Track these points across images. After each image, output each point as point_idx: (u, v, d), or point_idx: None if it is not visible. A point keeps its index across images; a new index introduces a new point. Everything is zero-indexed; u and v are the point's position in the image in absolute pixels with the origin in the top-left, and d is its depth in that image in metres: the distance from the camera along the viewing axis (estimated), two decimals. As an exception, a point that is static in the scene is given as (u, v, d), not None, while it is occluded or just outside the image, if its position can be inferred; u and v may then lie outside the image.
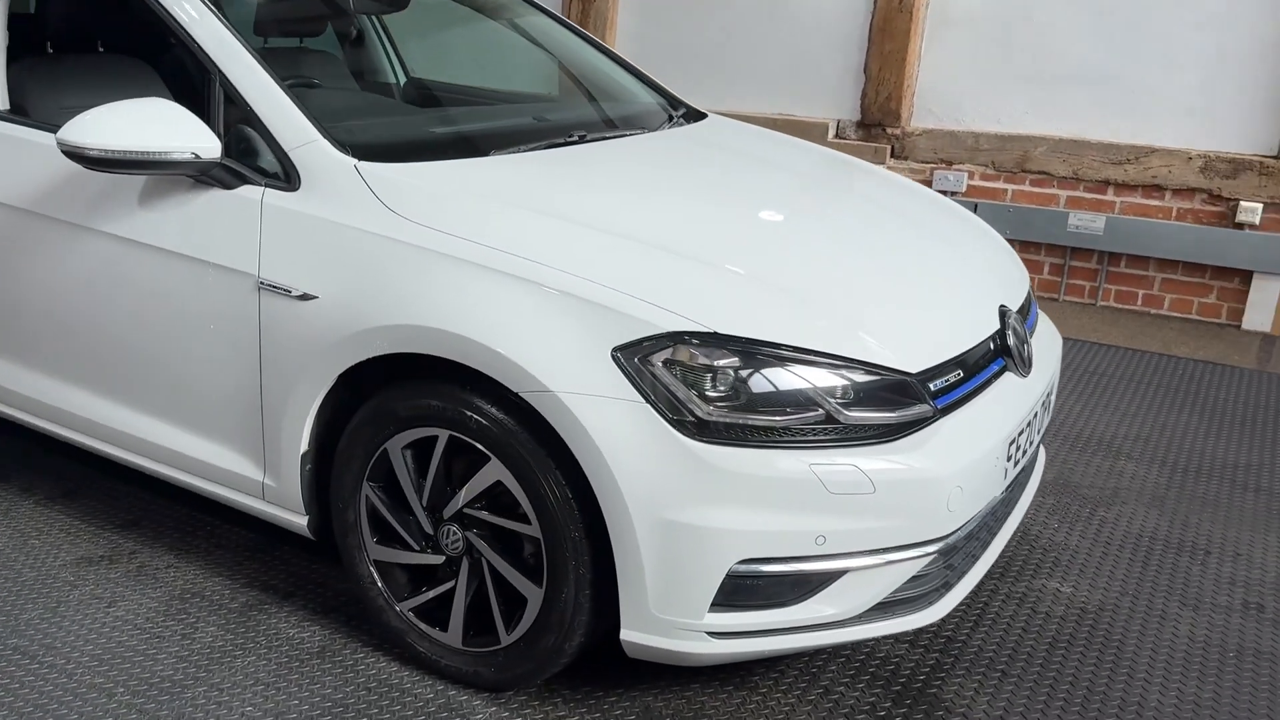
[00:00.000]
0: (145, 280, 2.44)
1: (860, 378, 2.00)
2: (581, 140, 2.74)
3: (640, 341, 1.94)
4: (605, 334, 1.96)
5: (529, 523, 2.08)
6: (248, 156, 2.35)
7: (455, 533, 2.20)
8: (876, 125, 5.83)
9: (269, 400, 2.32)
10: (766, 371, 1.95)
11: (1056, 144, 5.39)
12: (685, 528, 1.92)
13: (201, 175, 2.31)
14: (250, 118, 2.33)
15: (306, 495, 2.37)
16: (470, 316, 2.02)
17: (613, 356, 1.94)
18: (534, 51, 3.61)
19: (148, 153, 2.23)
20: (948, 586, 2.19)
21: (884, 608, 2.08)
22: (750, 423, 1.93)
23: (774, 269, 2.16)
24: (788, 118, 6.01)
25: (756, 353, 1.96)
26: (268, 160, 2.33)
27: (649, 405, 1.91)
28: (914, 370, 2.05)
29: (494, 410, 2.04)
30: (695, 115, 3.33)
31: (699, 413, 1.92)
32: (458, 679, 2.27)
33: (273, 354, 2.27)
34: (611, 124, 3.16)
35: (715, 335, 1.95)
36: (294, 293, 2.21)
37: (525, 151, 2.57)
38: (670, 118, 3.24)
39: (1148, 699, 2.31)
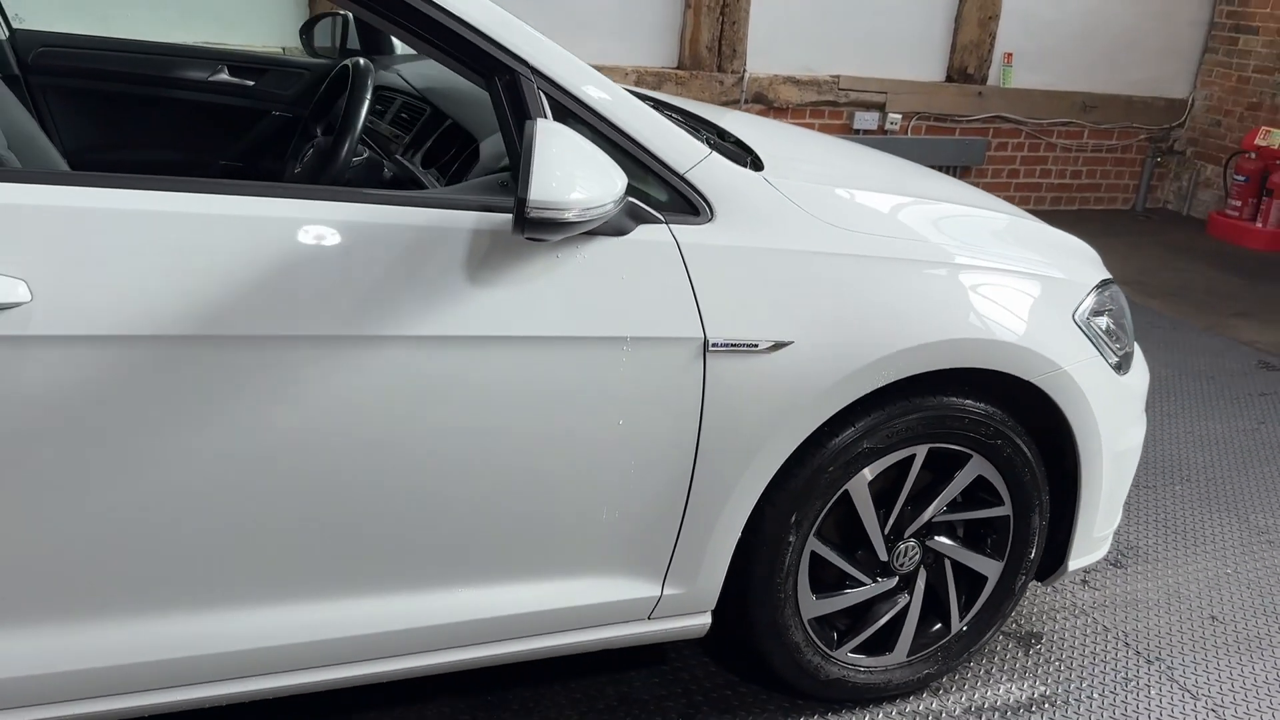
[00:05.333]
0: (494, 391, 1.64)
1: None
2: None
3: (1081, 302, 2.14)
4: (1063, 303, 2.10)
5: (1000, 505, 2.13)
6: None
7: (913, 548, 2.11)
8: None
9: (702, 488, 1.84)
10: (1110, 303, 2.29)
11: (516, 66, 5.70)
12: (1128, 452, 2.24)
13: (605, 221, 1.65)
14: (614, 137, 1.71)
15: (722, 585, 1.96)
16: (983, 318, 1.95)
17: (1075, 321, 2.10)
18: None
19: (596, 206, 1.54)
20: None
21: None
22: (1119, 349, 2.27)
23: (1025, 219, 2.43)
24: (240, 47, 5.20)
25: (1108, 288, 2.29)
26: (653, 190, 1.76)
27: (1100, 357, 2.14)
28: None
29: (984, 406, 2.02)
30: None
31: (1118, 351, 2.21)
32: (907, 691, 2.20)
33: (723, 428, 1.80)
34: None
35: (1104, 283, 2.24)
36: (762, 345, 1.79)
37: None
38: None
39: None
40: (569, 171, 1.49)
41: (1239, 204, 6.88)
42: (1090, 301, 2.15)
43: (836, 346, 1.83)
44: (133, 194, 1.43)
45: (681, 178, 1.76)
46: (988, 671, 2.32)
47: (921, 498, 2.09)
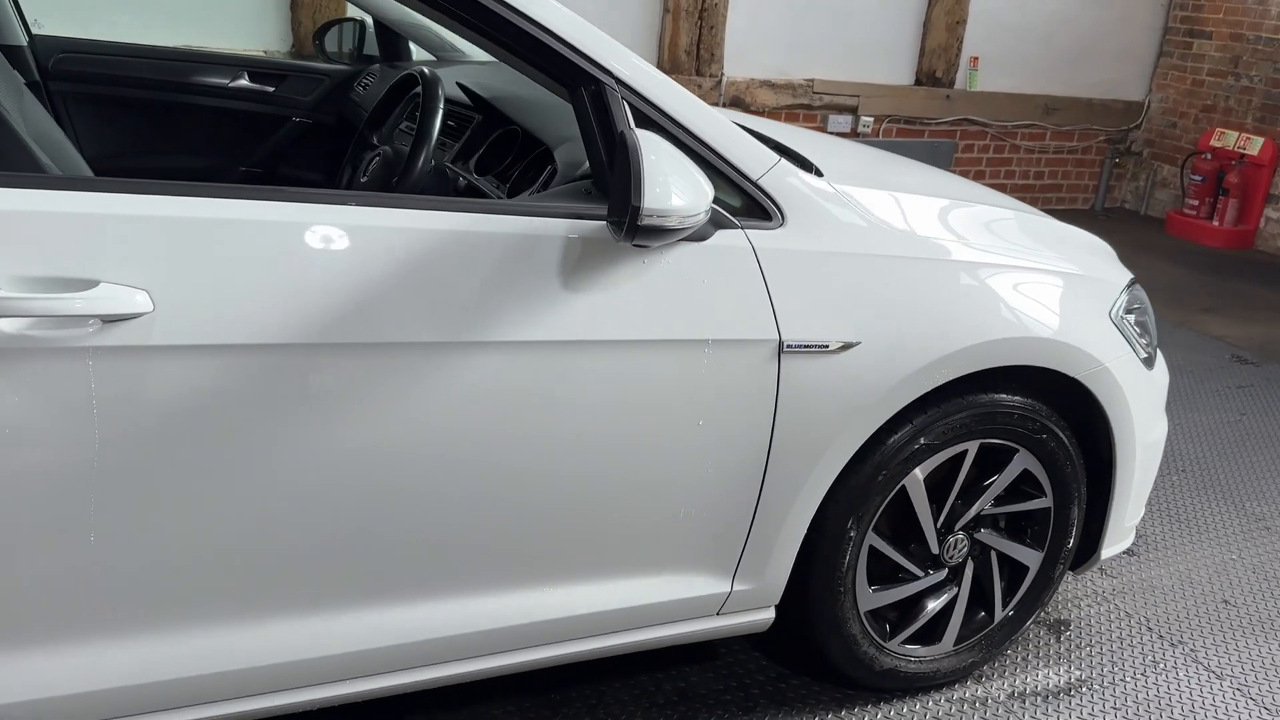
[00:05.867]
0: (585, 394, 1.68)
1: None
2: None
3: (1116, 301, 2.23)
4: (1102, 302, 2.19)
5: (1041, 496, 2.21)
6: (702, 195, 1.78)
7: (962, 541, 2.18)
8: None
9: (773, 486, 1.89)
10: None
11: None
12: (1156, 444, 2.34)
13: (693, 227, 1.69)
14: (694, 146, 1.75)
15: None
16: (1035, 317, 2.03)
17: (1111, 319, 2.19)
18: None
19: (694, 213, 1.59)
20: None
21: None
22: (1146, 344, 2.36)
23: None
24: (201, 48, 5.14)
25: (1134, 286, 2.38)
26: (728, 196, 1.81)
27: (1132, 353, 2.23)
28: None
29: (1031, 401, 2.10)
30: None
31: (1146, 347, 2.31)
32: (953, 679, 2.28)
33: (794, 427, 1.86)
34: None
35: (1131, 282, 2.33)
36: (831, 346, 1.85)
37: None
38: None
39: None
40: (668, 180, 1.54)
41: (1196, 203, 7.11)
42: (1124, 300, 2.24)
43: (899, 346, 1.89)
44: (246, 204, 1.44)
45: (755, 184, 1.81)
46: (1025, 659, 2.41)
47: (969, 492, 2.16)
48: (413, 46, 3.17)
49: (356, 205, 1.50)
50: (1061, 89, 7.43)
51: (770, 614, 2.04)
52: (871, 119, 6.76)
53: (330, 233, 1.47)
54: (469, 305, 1.56)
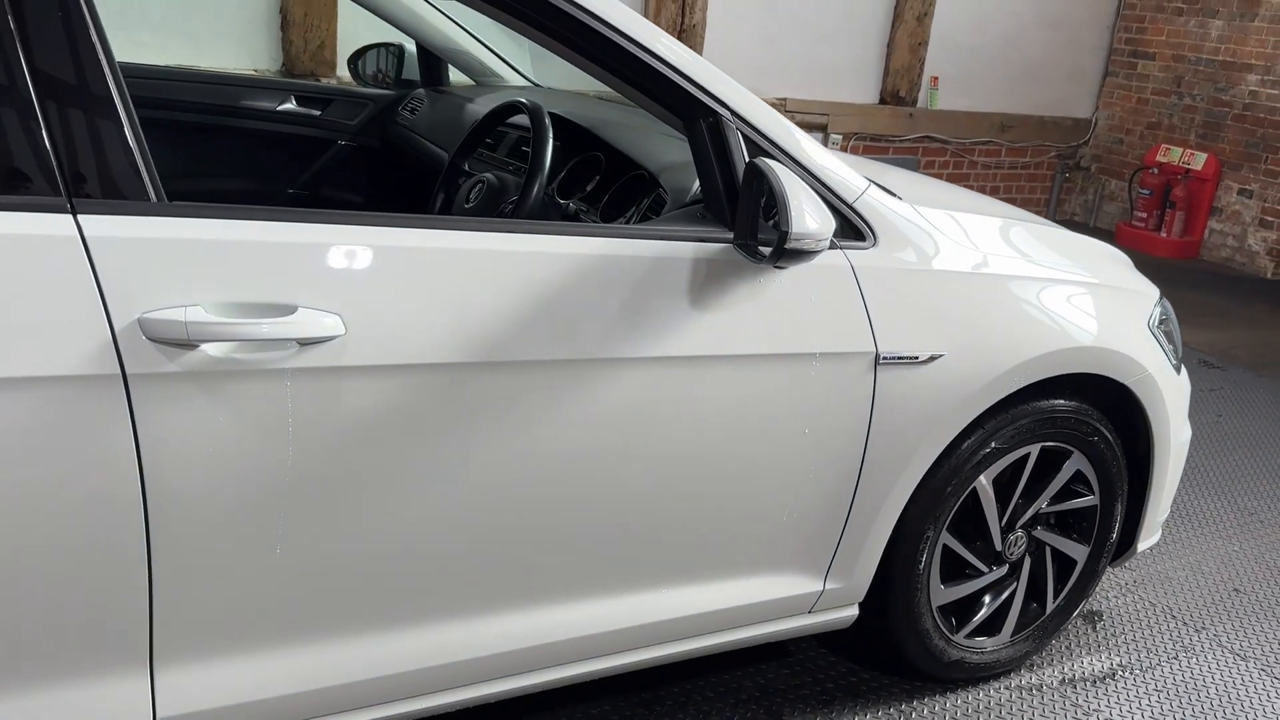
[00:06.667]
0: (711, 406, 1.79)
1: None
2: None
3: (1151, 312, 2.41)
4: (1140, 314, 2.37)
5: (1089, 495, 2.38)
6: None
7: (1021, 538, 2.33)
8: (309, 76, 5.40)
9: (865, 490, 2.02)
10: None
11: (484, 89, 5.80)
12: (1183, 444, 2.52)
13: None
14: (799, 173, 1.87)
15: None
16: (1092, 329, 2.19)
17: (1149, 329, 2.37)
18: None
19: (825, 237, 1.71)
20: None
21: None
22: (1174, 352, 2.55)
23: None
24: (190, 68, 5.14)
25: (1162, 298, 2.57)
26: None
27: (1166, 360, 2.41)
28: None
29: (1085, 406, 2.26)
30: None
31: (1175, 355, 2.49)
32: (1009, 668, 2.43)
33: (886, 434, 1.99)
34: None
35: (1161, 295, 2.52)
36: (921, 358, 1.98)
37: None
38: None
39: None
40: (802, 206, 1.66)
41: (1145, 215, 7.45)
42: (1158, 311, 2.42)
43: (979, 357, 2.04)
44: (423, 233, 1.53)
45: (850, 207, 1.94)
46: (1068, 647, 2.57)
47: (1028, 492, 2.31)
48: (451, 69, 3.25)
49: (521, 233, 1.60)
50: (1015, 107, 7.73)
51: (855, 611, 2.17)
52: (840, 137, 6.97)
53: (498, 258, 1.57)
54: (615, 323, 1.66)
